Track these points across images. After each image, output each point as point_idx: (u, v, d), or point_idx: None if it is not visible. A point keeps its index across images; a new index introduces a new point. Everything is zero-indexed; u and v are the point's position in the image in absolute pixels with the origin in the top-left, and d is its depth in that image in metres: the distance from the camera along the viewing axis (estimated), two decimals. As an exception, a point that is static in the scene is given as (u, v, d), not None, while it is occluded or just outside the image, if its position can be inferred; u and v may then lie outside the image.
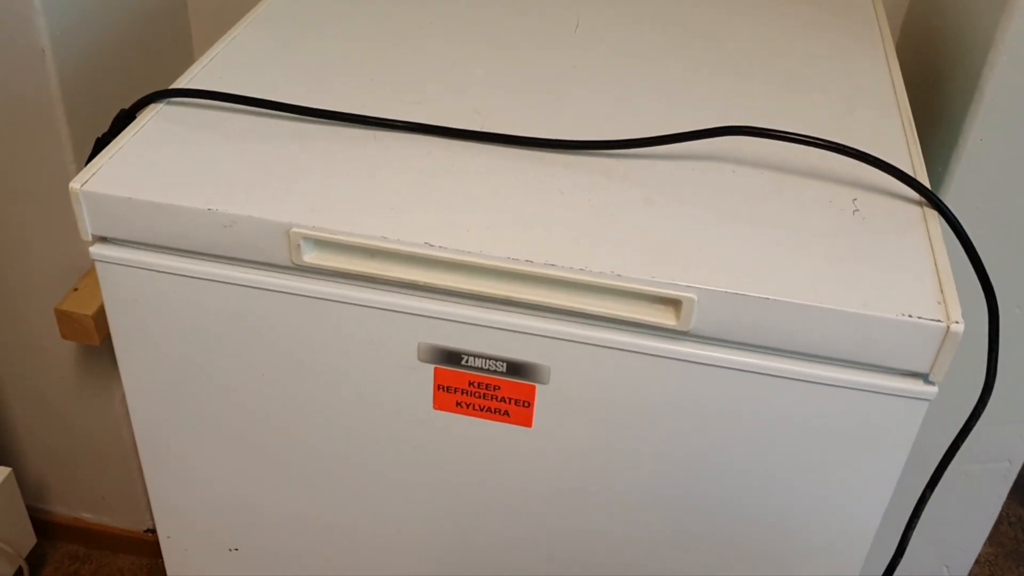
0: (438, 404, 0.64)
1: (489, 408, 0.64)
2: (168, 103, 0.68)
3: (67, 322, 0.99)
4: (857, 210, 0.62)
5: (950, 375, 0.88)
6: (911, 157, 0.67)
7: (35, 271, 1.06)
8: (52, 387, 1.18)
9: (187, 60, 1.14)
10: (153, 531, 1.34)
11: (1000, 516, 1.55)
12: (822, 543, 0.66)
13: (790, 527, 0.65)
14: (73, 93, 0.94)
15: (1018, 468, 0.94)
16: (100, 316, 1.00)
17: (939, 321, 0.54)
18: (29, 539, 1.28)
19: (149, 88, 1.06)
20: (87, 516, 1.35)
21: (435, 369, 0.63)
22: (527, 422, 0.64)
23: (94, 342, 1.01)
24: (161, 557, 1.36)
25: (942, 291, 0.56)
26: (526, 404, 0.63)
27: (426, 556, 0.74)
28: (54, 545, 1.37)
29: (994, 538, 1.52)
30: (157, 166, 0.62)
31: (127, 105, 0.69)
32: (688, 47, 0.80)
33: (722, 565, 0.69)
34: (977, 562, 1.48)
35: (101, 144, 0.67)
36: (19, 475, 1.26)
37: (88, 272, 1.04)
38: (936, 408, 0.90)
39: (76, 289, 1.01)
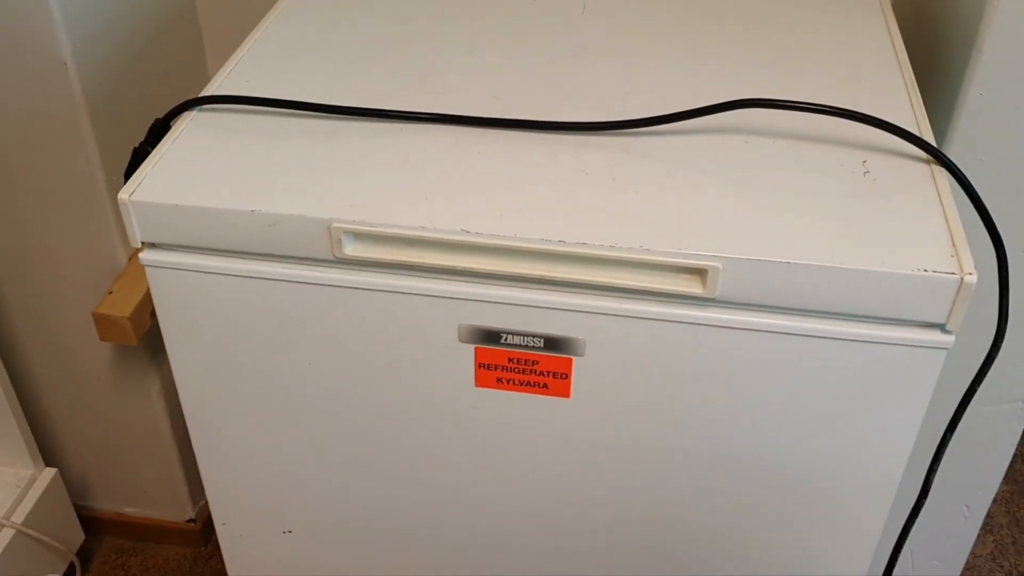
0: (480, 382, 0.68)
1: (528, 382, 0.67)
2: (200, 110, 0.71)
3: (105, 324, 1.03)
4: (868, 172, 0.65)
5: (964, 322, 0.91)
6: (915, 116, 0.70)
7: (68, 277, 1.10)
8: (90, 387, 1.22)
9: (200, 62, 1.17)
10: (195, 520, 1.39)
11: (1016, 455, 1.59)
12: (852, 489, 0.69)
13: (821, 476, 0.69)
14: (97, 102, 0.97)
15: (1031, 407, 0.97)
16: (136, 317, 1.03)
17: (953, 274, 0.57)
18: (77, 535, 1.32)
19: (167, 93, 1.09)
20: (130, 510, 1.39)
21: (475, 348, 0.66)
22: (565, 393, 0.67)
23: (132, 342, 1.04)
24: (204, 545, 1.41)
25: (954, 244, 0.59)
26: (563, 376, 0.66)
27: (475, 528, 0.78)
28: (100, 540, 1.41)
29: (1010, 477, 1.56)
30: (198, 172, 0.65)
31: (148, 111, 0.71)
32: (692, 22, 0.83)
33: (758, 516, 0.72)
34: (994, 500, 1.52)
35: (139, 154, 0.70)
36: (63, 474, 1.29)
37: (121, 275, 1.07)
38: (950, 353, 0.93)
39: (111, 292, 1.05)
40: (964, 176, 0.64)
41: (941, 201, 0.62)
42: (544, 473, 0.72)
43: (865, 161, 0.66)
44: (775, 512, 0.72)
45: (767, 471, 0.69)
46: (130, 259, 1.08)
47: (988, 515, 1.50)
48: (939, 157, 0.65)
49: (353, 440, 0.74)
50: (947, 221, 0.61)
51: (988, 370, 0.68)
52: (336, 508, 0.79)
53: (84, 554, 1.38)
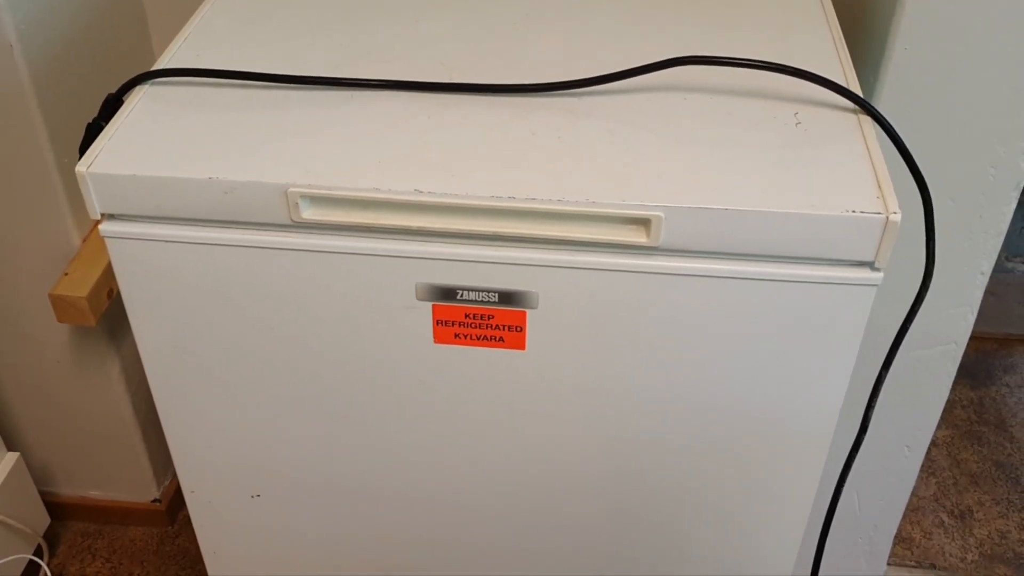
0: (438, 338, 0.70)
1: (485, 336, 0.70)
2: (153, 84, 0.72)
3: (62, 306, 1.03)
4: (799, 123, 0.68)
5: (894, 268, 0.96)
6: (843, 69, 0.74)
7: (22, 260, 1.10)
8: (49, 372, 1.22)
9: (144, 40, 1.17)
10: (160, 500, 1.40)
11: (953, 400, 1.66)
12: (795, 424, 0.73)
13: (765, 413, 0.73)
14: (44, 84, 0.97)
15: (963, 348, 1.02)
16: (93, 297, 1.04)
17: (879, 213, 0.60)
18: (43, 519, 1.33)
19: (113, 72, 1.09)
20: (95, 494, 1.39)
21: (433, 306, 0.68)
22: (520, 345, 0.70)
23: (90, 323, 1.05)
24: (170, 524, 1.42)
25: (880, 187, 0.62)
26: (518, 329, 0.69)
27: (440, 483, 0.81)
28: (65, 525, 1.42)
29: (949, 422, 1.63)
30: (154, 143, 0.66)
31: (95, 90, 0.72)
32: (630, -14, 0.85)
33: (707, 456, 0.76)
34: (935, 444, 1.59)
35: (92, 129, 0.71)
36: (25, 460, 1.29)
37: (76, 257, 1.07)
38: (883, 300, 0.97)
39: (67, 274, 1.05)
40: (889, 124, 0.68)
41: (868, 148, 0.66)
42: (503, 424, 0.75)
43: (796, 113, 0.69)
44: (723, 451, 0.76)
45: (714, 410, 0.73)
46: (84, 240, 1.09)
47: (931, 459, 1.57)
48: (865, 107, 0.69)
49: (316, 401, 0.76)
50: (874, 167, 0.64)
51: (919, 307, 0.73)
52: (302, 469, 0.81)
53: (50, 539, 1.38)
